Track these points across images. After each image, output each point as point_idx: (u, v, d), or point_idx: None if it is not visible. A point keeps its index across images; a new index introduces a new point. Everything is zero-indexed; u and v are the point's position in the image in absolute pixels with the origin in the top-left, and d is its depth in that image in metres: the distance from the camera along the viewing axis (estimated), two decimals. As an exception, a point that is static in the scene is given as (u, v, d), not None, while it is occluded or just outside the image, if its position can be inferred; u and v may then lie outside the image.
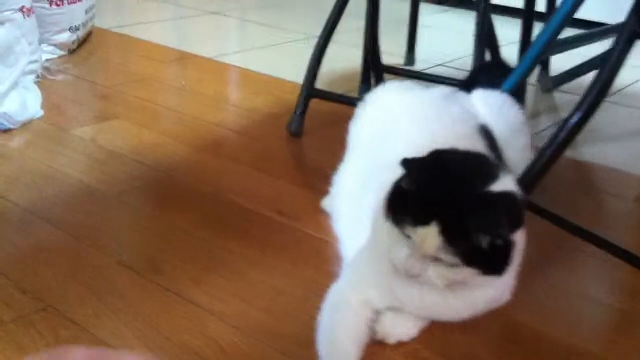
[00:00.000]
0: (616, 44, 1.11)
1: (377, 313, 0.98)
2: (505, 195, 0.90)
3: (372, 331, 0.97)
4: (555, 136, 1.13)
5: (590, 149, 1.66)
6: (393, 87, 1.33)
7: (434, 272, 0.89)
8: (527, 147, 1.23)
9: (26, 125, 1.67)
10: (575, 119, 1.10)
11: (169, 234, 1.25)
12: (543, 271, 1.16)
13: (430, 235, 0.86)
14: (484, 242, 0.87)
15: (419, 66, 2.23)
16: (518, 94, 1.40)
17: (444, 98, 1.24)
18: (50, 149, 1.58)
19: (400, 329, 0.97)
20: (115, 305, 1.04)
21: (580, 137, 1.71)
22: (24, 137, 1.63)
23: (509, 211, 0.88)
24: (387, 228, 0.92)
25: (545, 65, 2.04)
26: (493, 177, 0.91)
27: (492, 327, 1.03)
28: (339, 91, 1.92)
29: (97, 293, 1.07)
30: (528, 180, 1.12)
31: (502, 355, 0.98)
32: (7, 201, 1.34)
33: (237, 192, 1.39)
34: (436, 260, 0.88)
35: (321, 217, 1.28)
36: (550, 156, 1.12)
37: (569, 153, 1.58)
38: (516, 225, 0.89)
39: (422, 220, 0.87)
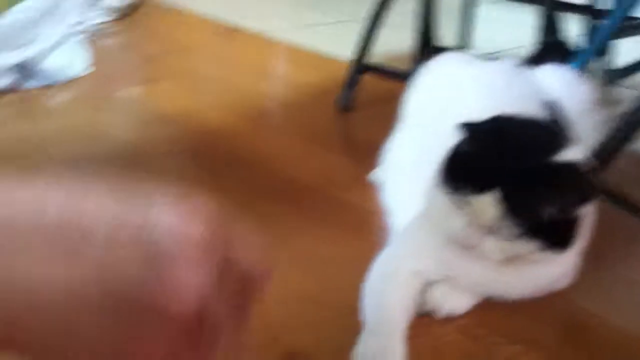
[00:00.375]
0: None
1: (428, 284, 0.92)
2: (573, 166, 0.83)
3: (422, 303, 0.91)
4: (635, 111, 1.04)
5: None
6: (453, 57, 1.26)
7: (491, 244, 0.82)
8: (598, 126, 1.16)
9: (71, 83, 1.65)
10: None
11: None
12: (611, 258, 1.08)
13: (489, 204, 0.80)
14: (548, 214, 0.80)
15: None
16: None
17: (508, 71, 1.17)
18: (94, 107, 1.55)
19: (452, 302, 0.91)
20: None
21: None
22: (69, 94, 1.61)
23: (577, 183, 0.81)
24: (442, 196, 0.85)
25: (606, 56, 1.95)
26: (559, 145, 0.83)
27: (553, 310, 0.95)
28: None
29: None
30: (600, 156, 1.04)
31: (565, 341, 0.91)
32: (44, 154, 1.31)
33: (283, 161, 1.34)
34: (494, 231, 0.81)
35: (369, 189, 1.22)
36: (627, 131, 1.04)
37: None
38: (584, 198, 0.82)
39: (481, 188, 0.80)
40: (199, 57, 1.97)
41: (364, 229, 1.12)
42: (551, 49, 1.47)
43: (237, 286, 0.34)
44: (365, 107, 1.63)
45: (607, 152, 1.04)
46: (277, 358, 0.83)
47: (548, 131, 0.89)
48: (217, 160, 1.36)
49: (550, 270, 0.89)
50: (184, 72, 1.82)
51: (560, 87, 1.15)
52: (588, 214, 0.91)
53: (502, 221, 0.80)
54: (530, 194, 0.79)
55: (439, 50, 1.83)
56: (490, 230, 0.82)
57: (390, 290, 0.90)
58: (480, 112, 1.03)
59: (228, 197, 1.27)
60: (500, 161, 0.82)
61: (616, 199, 1.04)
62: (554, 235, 0.82)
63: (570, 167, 0.83)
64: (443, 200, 0.85)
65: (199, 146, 1.40)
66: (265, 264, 0.37)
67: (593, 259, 1.03)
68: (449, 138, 0.90)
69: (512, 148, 0.83)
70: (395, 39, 2.02)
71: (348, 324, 0.88)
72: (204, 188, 1.24)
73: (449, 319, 0.91)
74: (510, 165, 0.81)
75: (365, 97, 1.64)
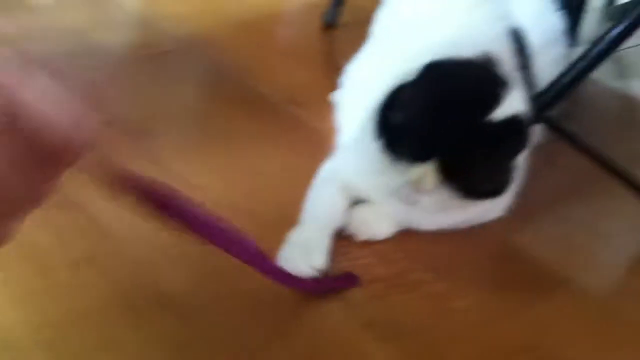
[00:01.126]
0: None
1: (355, 204, 0.93)
2: (508, 121, 0.81)
3: (345, 224, 0.92)
4: (590, 49, 1.00)
5: (637, 83, 1.52)
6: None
7: (429, 201, 0.83)
8: (560, 60, 1.12)
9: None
10: (616, 31, 0.97)
11: (168, 103, 1.20)
12: (551, 197, 1.07)
13: (428, 173, 0.79)
14: (484, 173, 0.80)
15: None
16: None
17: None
18: (74, 7, 1.54)
19: (373, 227, 0.91)
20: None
21: (629, 70, 1.59)
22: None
23: (513, 138, 0.81)
24: (381, 156, 0.84)
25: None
26: (496, 101, 0.81)
27: (478, 242, 0.95)
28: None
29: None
30: (550, 95, 1.01)
31: (481, 270, 0.91)
32: (16, 50, 1.31)
33: (254, 74, 1.33)
34: (432, 192, 0.82)
35: (329, 108, 1.21)
36: (581, 70, 1.00)
37: (612, 83, 1.46)
38: (519, 149, 0.81)
39: (419, 157, 0.79)
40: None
41: (313, 147, 1.11)
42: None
43: (22, 147, 0.29)
44: (350, 26, 1.59)
45: (558, 89, 1.00)
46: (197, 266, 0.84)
47: (485, 82, 0.85)
48: (186, 68, 1.36)
49: (479, 210, 0.89)
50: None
51: (528, 14, 1.11)
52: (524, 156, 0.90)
53: (441, 187, 0.80)
54: (464, 160, 0.79)
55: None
56: (434, 191, 0.81)
57: (326, 194, 0.94)
58: (440, 38, 1.01)
59: (194, 102, 1.29)
60: (435, 129, 0.80)
61: (563, 133, 1.01)
62: (490, 188, 0.82)
63: (505, 126, 0.80)
64: (379, 160, 0.84)
65: (174, 52, 1.39)
66: (81, 131, 0.31)
67: (529, 195, 1.02)
68: (406, 63, 0.89)
69: (447, 112, 0.80)
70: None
71: (270, 238, 0.89)
72: (170, 93, 1.24)
73: (368, 243, 0.91)
74: (445, 132, 0.80)
75: (355, 15, 1.60)
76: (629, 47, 1.61)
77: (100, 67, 1.30)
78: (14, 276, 0.80)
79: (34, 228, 0.85)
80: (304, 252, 0.85)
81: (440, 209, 0.86)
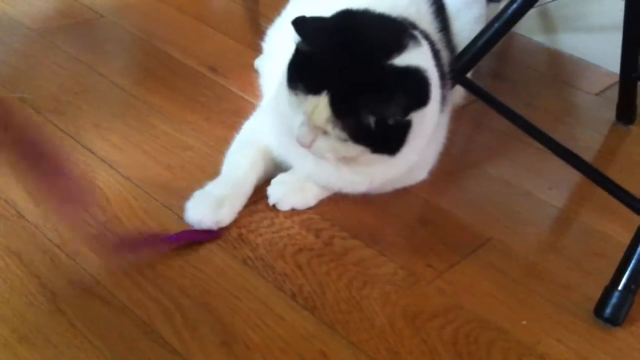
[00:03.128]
0: None
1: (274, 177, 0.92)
2: (406, 71, 0.80)
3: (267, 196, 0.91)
4: (504, 9, 1.01)
5: (564, 38, 1.55)
6: None
7: (322, 144, 0.81)
8: (479, 19, 1.12)
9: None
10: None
11: (85, 78, 1.16)
12: (476, 157, 1.09)
13: (320, 106, 0.78)
14: (371, 120, 0.78)
15: None
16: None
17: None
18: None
19: (296, 196, 0.90)
20: (3, 141, 0.96)
21: (556, 24, 1.61)
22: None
23: (407, 89, 0.79)
24: (287, 92, 0.83)
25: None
26: (399, 48, 0.80)
27: (403, 206, 0.96)
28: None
29: (-13, 127, 0.99)
30: (467, 56, 1.01)
31: (405, 234, 0.92)
32: None
33: (173, 43, 1.29)
34: (326, 132, 0.80)
35: (252, 76, 1.19)
36: (496, 31, 1.01)
37: (538, 38, 1.48)
38: (415, 103, 0.80)
39: (313, 89, 0.78)
40: None
41: (234, 117, 1.08)
42: None
43: None
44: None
45: (476, 49, 1.01)
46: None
47: (392, 31, 0.84)
48: (98, 39, 1.31)
49: (390, 170, 0.88)
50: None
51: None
52: (435, 115, 0.89)
53: (332, 124, 0.79)
54: (355, 98, 0.77)
55: None
56: (323, 131, 0.80)
57: (246, 154, 0.93)
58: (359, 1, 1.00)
59: (114, 75, 1.24)
60: (333, 63, 0.79)
61: (481, 95, 1.02)
62: (383, 139, 0.81)
63: (401, 72, 0.79)
64: (287, 97, 0.83)
65: (84, 23, 1.34)
66: None
67: (453, 155, 1.03)
68: None
69: (349, 49, 0.79)
70: None
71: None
72: (89, 66, 1.19)
73: (294, 213, 0.91)
74: (343, 67, 0.79)
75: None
76: (552, 0, 1.64)
77: (12, 41, 1.24)
78: None
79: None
80: (213, 205, 0.85)
81: (336, 154, 0.83)
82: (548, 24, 1.61)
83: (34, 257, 0.79)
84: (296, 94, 0.80)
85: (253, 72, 1.20)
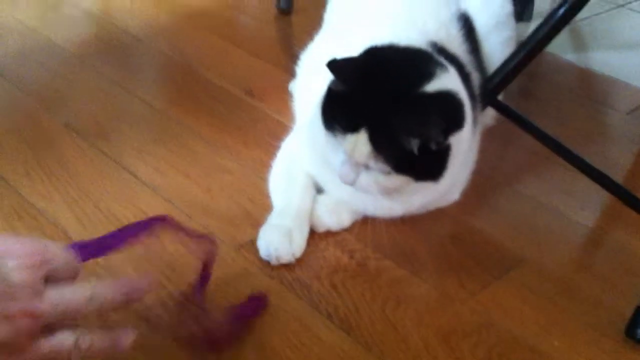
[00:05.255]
0: None
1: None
2: (439, 95, 0.82)
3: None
4: (534, 32, 1.03)
5: (595, 55, 1.56)
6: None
7: (366, 179, 0.84)
8: (509, 41, 1.14)
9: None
10: (561, 11, 0.99)
11: (125, 102, 1.20)
12: (507, 177, 1.10)
13: (359, 143, 0.80)
14: (414, 146, 0.80)
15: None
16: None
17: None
18: (26, 3, 1.52)
19: (332, 218, 0.93)
20: (51, 167, 1.01)
21: (586, 42, 1.62)
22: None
23: (442, 112, 0.81)
24: (324, 133, 0.86)
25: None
26: (429, 76, 0.82)
27: (435, 226, 0.98)
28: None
29: (35, 152, 1.04)
30: (498, 78, 1.03)
31: (438, 254, 0.94)
32: None
33: (208, 66, 1.33)
34: (368, 167, 0.83)
35: (286, 99, 1.22)
36: (528, 53, 1.02)
37: (569, 57, 1.50)
38: (453, 126, 0.82)
39: (351, 127, 0.81)
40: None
41: (270, 139, 1.11)
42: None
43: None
44: (306, 10, 1.59)
45: (507, 71, 1.03)
46: (156, 266, 0.85)
47: (419, 61, 0.87)
48: (136, 63, 1.36)
49: (428, 195, 0.90)
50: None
51: (476, -2, 1.12)
52: (469, 136, 0.92)
53: (373, 158, 0.81)
54: (394, 129, 0.79)
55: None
56: (366, 167, 0.83)
57: (294, 181, 0.95)
58: (391, 25, 1.03)
59: (151, 99, 1.29)
60: (367, 99, 0.81)
61: (511, 116, 1.04)
62: (425, 166, 0.83)
63: (434, 97, 0.82)
64: (323, 135, 0.86)
65: (121, 47, 1.39)
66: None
67: (489, 176, 1.05)
68: (358, 50, 0.90)
69: (380, 84, 0.82)
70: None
71: (233, 235, 0.91)
72: (126, 90, 1.23)
73: (329, 234, 0.94)
74: (377, 102, 0.81)
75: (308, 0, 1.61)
76: (582, 20, 1.65)
77: (55, 66, 1.29)
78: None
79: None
80: (285, 239, 0.87)
81: (381, 189, 0.85)
82: (578, 42, 1.62)
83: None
84: (334, 135, 0.82)
85: (287, 95, 1.23)
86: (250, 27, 1.54)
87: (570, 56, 1.51)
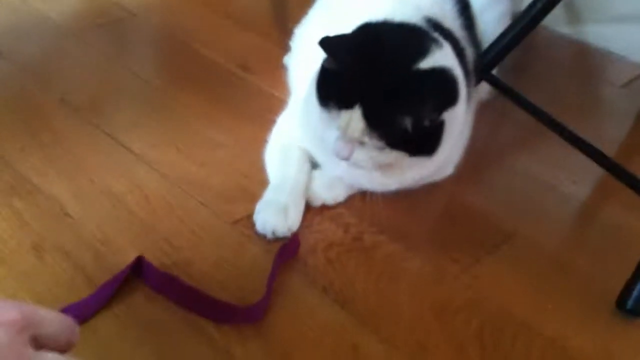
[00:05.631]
0: None
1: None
2: (432, 72, 0.82)
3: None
4: (528, 8, 1.03)
5: (588, 28, 1.55)
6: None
7: (360, 155, 0.84)
8: (503, 16, 1.14)
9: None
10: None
11: (121, 77, 1.20)
12: (501, 151, 1.11)
13: (354, 119, 0.81)
14: (407, 123, 0.81)
15: None
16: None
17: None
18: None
19: (327, 193, 0.94)
20: (46, 142, 1.01)
21: (581, 15, 1.62)
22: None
23: (436, 89, 0.82)
24: (317, 108, 0.86)
25: None
26: (423, 52, 0.83)
27: (429, 201, 0.99)
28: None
29: (30, 128, 1.04)
30: (492, 54, 1.03)
31: (432, 229, 0.95)
32: None
33: (204, 41, 1.33)
34: (363, 143, 0.83)
35: (281, 74, 1.22)
36: (521, 29, 1.03)
37: (563, 30, 1.49)
38: (446, 102, 0.83)
39: (345, 104, 0.81)
40: None
41: (265, 114, 1.11)
42: None
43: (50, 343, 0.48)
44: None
45: (501, 46, 1.03)
46: (152, 241, 0.86)
47: (413, 37, 0.86)
48: (132, 39, 1.35)
49: (422, 170, 0.91)
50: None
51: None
52: (464, 111, 0.92)
53: (368, 134, 0.82)
54: (388, 106, 0.80)
55: None
56: (360, 142, 0.83)
57: (289, 157, 0.96)
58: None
59: (145, 73, 1.28)
60: (361, 76, 0.81)
61: (505, 91, 1.04)
62: (419, 141, 0.84)
63: (428, 74, 0.82)
64: (317, 112, 0.86)
65: (118, 22, 1.38)
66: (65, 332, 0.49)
67: (484, 152, 1.05)
68: (349, 26, 0.90)
69: (374, 61, 0.82)
70: None
71: (226, 210, 0.92)
72: (120, 64, 1.22)
73: (325, 209, 0.94)
74: (371, 79, 0.81)
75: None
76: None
77: (49, 41, 1.29)
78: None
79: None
80: (281, 214, 0.88)
81: (375, 165, 0.86)
82: (573, 14, 1.62)
83: (79, 252, 0.83)
84: (329, 111, 0.83)
85: (282, 70, 1.23)
86: (245, 3, 1.53)
87: (565, 29, 1.51)
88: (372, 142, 0.82)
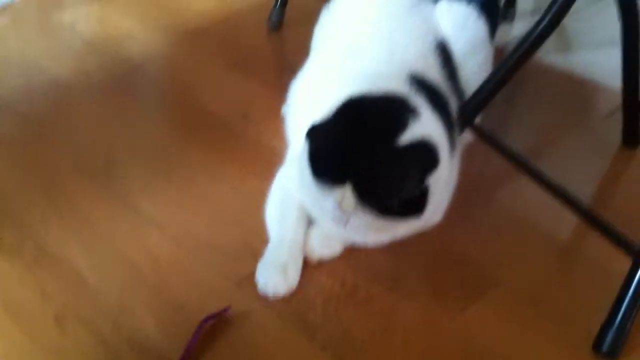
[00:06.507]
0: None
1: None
2: (411, 147, 0.89)
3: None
4: (509, 56, 1.09)
5: (574, 56, 1.61)
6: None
7: (356, 222, 0.92)
8: (485, 64, 1.21)
9: (7, 6, 1.67)
10: (535, 32, 1.06)
11: (128, 135, 1.28)
12: (487, 193, 1.18)
13: (346, 195, 0.88)
14: (394, 198, 0.89)
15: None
16: (492, 4, 1.36)
17: (408, 8, 1.20)
18: (27, 35, 1.59)
19: (324, 248, 1.01)
20: (63, 210, 1.09)
21: (567, 42, 1.67)
22: (2, 20, 1.64)
23: (417, 163, 0.89)
24: (314, 181, 0.93)
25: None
26: (402, 127, 0.90)
27: (420, 249, 1.06)
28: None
29: (48, 196, 1.12)
30: (474, 101, 1.10)
31: (423, 277, 1.02)
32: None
33: (205, 92, 1.40)
34: (358, 212, 0.90)
35: (281, 123, 1.29)
36: (502, 77, 1.09)
37: (550, 58, 1.55)
38: (428, 171, 0.90)
39: (337, 181, 0.89)
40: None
41: (267, 167, 1.18)
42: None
43: None
44: (296, 25, 1.65)
45: (482, 96, 1.10)
46: (167, 306, 0.94)
47: (393, 112, 0.93)
48: (139, 93, 1.43)
49: (407, 226, 0.98)
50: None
51: (452, 24, 1.19)
52: (455, 159, 1.00)
53: (361, 207, 0.89)
54: (374, 184, 0.88)
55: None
56: (355, 212, 0.91)
57: (288, 214, 1.04)
58: (374, 57, 1.09)
59: (150, 130, 1.35)
60: (347, 155, 0.89)
61: (487, 139, 1.11)
62: (408, 208, 0.92)
63: (409, 150, 0.89)
64: (315, 184, 0.93)
65: (124, 77, 1.46)
66: None
67: (465, 193, 1.11)
68: (343, 84, 0.99)
69: (356, 141, 0.89)
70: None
71: (235, 270, 0.99)
72: (126, 122, 1.29)
73: (322, 263, 1.02)
74: (355, 159, 0.89)
75: (299, 13, 1.66)
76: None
77: (59, 100, 1.37)
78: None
79: (16, 285, 0.95)
80: (281, 274, 0.96)
81: (370, 228, 0.95)
82: (560, 42, 1.67)
83: (99, 322, 0.91)
84: (323, 183, 0.90)
85: (282, 118, 1.30)
86: (243, 47, 1.59)
87: (551, 57, 1.56)
88: (365, 212, 0.89)
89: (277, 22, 1.65)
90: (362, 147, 0.89)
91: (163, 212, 1.10)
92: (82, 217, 1.08)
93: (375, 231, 0.96)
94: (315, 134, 0.90)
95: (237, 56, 1.55)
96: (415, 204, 0.92)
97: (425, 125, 0.93)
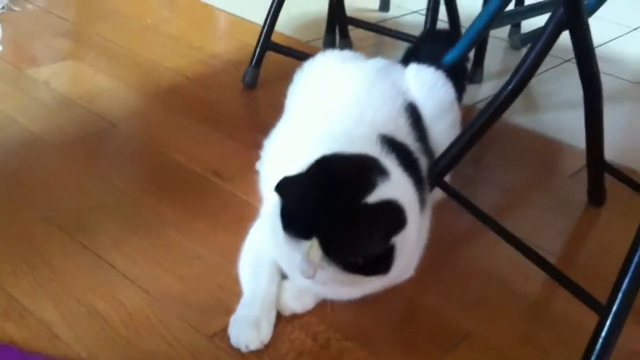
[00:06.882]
0: (544, 28, 1.10)
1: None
2: (379, 206, 0.92)
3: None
4: (475, 119, 1.13)
5: (539, 116, 1.67)
6: (332, 55, 1.33)
7: (323, 275, 0.93)
8: (454, 125, 1.25)
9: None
10: (502, 96, 1.10)
11: (101, 190, 1.29)
12: (457, 248, 1.20)
13: (313, 248, 0.90)
14: (358, 255, 0.91)
15: (393, 12, 2.21)
16: (459, 67, 1.41)
17: (378, 72, 1.25)
18: (2, 90, 1.60)
19: (296, 302, 1.02)
20: (34, 264, 1.09)
21: (532, 102, 1.74)
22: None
23: (382, 222, 0.91)
24: (284, 234, 0.94)
25: (517, 23, 2.02)
26: (371, 187, 0.92)
27: (394, 305, 1.07)
28: (304, 39, 1.93)
29: (19, 250, 1.12)
30: (443, 161, 1.13)
31: (394, 332, 1.03)
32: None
33: (178, 149, 1.42)
34: (324, 266, 0.92)
35: (254, 179, 1.31)
36: (469, 139, 1.13)
37: (516, 119, 1.60)
38: (393, 231, 0.92)
39: (304, 235, 0.91)
40: (116, 24, 2.01)
41: (239, 222, 1.19)
42: (433, 39, 1.53)
43: None
44: (270, 84, 1.69)
45: (452, 155, 1.13)
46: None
47: (362, 172, 0.96)
48: (111, 149, 1.44)
49: (377, 282, 0.99)
50: (98, 44, 1.87)
51: (421, 87, 1.23)
52: (426, 216, 1.02)
53: (327, 261, 0.91)
54: (340, 241, 0.90)
55: (349, 20, 1.90)
56: (321, 266, 0.92)
57: (260, 269, 1.04)
58: (344, 119, 1.13)
59: (124, 186, 1.36)
60: (315, 212, 0.91)
61: (457, 197, 1.14)
62: (373, 265, 0.93)
63: (375, 211, 0.92)
64: (285, 237, 0.95)
65: (97, 133, 1.47)
66: None
67: (436, 248, 1.14)
68: (314, 145, 1.03)
69: (326, 199, 0.92)
70: (316, 2, 2.07)
71: (207, 324, 0.99)
72: (100, 178, 1.31)
73: (294, 317, 1.02)
74: (323, 215, 0.91)
75: (273, 72, 1.70)
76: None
77: (32, 156, 1.37)
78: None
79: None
80: (254, 329, 0.97)
81: (337, 282, 0.95)
82: (526, 103, 1.73)
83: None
84: (292, 237, 0.92)
85: (255, 175, 1.32)
86: (217, 105, 1.63)
87: (517, 118, 1.61)
88: (331, 267, 0.91)
89: (252, 82, 1.68)
90: (330, 204, 0.91)
91: (135, 266, 1.10)
92: (52, 271, 1.08)
93: (344, 286, 0.97)
94: (285, 188, 0.91)
95: (210, 113, 1.58)
96: (381, 262, 0.93)
97: (394, 187, 0.96)
